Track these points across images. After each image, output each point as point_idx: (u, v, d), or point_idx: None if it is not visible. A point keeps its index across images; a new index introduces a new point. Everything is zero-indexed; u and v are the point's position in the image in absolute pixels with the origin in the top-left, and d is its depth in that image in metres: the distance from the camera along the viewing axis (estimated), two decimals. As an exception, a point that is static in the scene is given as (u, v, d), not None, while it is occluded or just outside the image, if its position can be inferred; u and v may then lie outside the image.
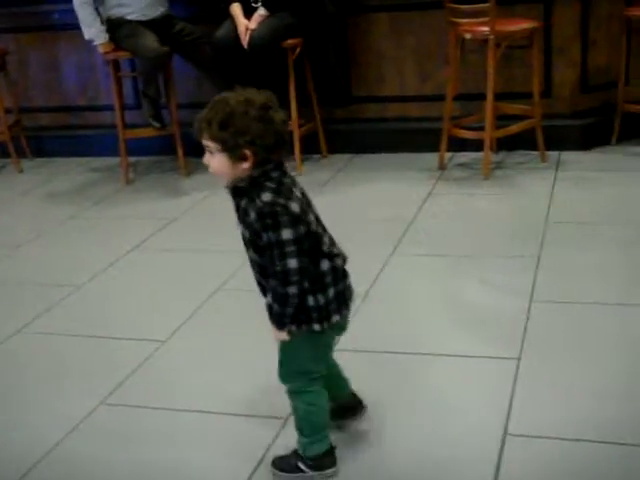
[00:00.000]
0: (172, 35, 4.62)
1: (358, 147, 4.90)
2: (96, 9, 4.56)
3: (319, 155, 4.88)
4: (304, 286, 1.92)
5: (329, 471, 2.10)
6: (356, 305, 2.92)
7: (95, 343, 2.91)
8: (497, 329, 2.76)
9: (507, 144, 4.54)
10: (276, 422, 2.33)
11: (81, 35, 4.75)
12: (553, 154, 4.48)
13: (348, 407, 2.27)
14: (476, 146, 4.37)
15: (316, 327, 1.97)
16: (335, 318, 1.99)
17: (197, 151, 5.66)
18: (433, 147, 4.51)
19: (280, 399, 2.41)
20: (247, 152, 1.85)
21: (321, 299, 1.96)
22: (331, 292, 1.97)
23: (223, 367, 2.67)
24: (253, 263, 1.99)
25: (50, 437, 2.35)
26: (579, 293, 2.95)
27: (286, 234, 1.85)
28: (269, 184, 1.88)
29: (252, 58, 4.37)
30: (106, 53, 4.65)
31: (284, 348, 2.04)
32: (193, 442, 2.28)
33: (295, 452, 2.12)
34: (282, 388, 2.47)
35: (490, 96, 4.15)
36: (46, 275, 3.56)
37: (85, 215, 4.32)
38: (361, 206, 4.06)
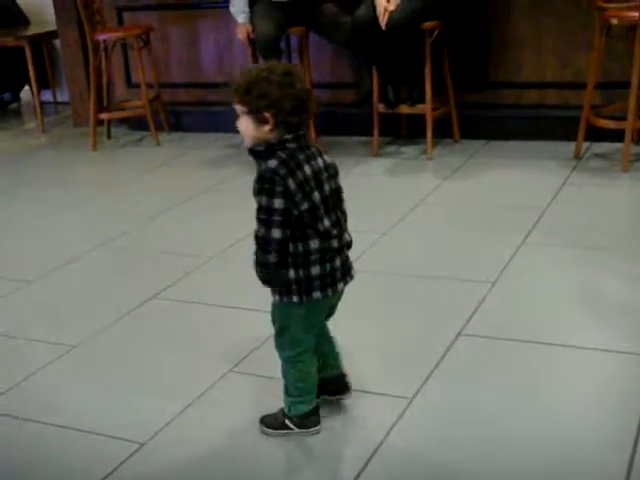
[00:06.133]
0: (310, 15, 4.66)
1: (491, 133, 4.82)
2: None
3: (451, 140, 4.83)
4: (285, 259, 2.03)
5: (313, 429, 2.22)
6: (484, 291, 2.94)
7: (226, 312, 2.99)
8: (633, 324, 2.67)
9: (650, 135, 4.38)
10: (402, 402, 2.33)
11: (220, 13, 4.87)
12: (699, 147, 4.29)
13: (332, 386, 2.33)
14: (616, 137, 4.22)
15: (295, 299, 2.08)
16: (316, 295, 2.08)
17: (328, 130, 5.73)
18: (570, 136, 4.39)
19: (409, 378, 2.43)
20: (267, 115, 1.98)
21: (302, 274, 2.05)
22: (315, 270, 2.06)
23: (349, 342, 2.69)
24: None
25: (177, 402, 2.43)
26: None
27: (277, 203, 1.97)
28: (281, 153, 2.00)
29: (390, 39, 4.36)
30: (241, 32, 4.75)
31: (278, 318, 2.17)
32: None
33: (282, 410, 2.24)
34: (412, 368, 2.49)
35: (635, 84, 4.00)
36: (180, 245, 3.68)
37: (218, 188, 4.43)
38: (492, 193, 3.99)
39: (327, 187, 2.07)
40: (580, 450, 2.09)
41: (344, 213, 2.16)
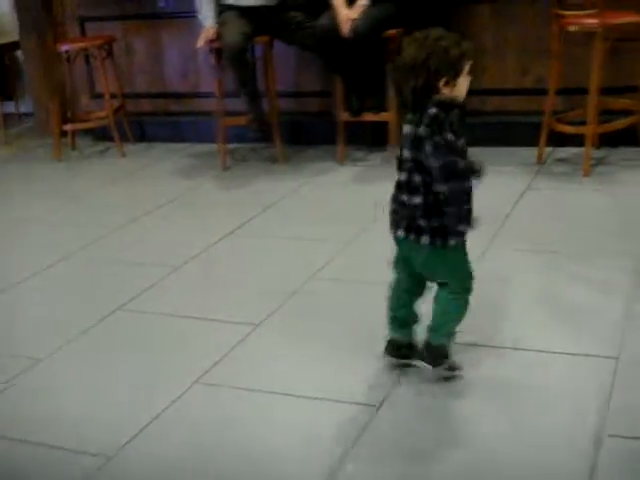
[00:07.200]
0: (278, 21, 4.67)
1: (456, 139, 4.84)
2: None
3: (415, 146, 4.85)
4: None
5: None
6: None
7: (190, 323, 2.98)
8: (595, 327, 2.70)
9: (610, 140, 4.42)
10: (369, 409, 2.34)
11: (183, 23, 4.85)
12: (658, 151, 4.35)
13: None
14: (577, 141, 4.28)
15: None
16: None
17: (293, 139, 5.74)
18: (532, 142, 4.44)
19: (375, 385, 2.44)
20: None
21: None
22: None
23: (316, 352, 2.70)
24: None
25: (144, 414, 2.42)
26: (682, 294, 2.87)
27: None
28: None
29: (352, 48, 4.38)
30: (206, 38, 4.69)
31: None
32: (282, 425, 2.32)
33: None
34: (378, 375, 2.51)
35: (594, 90, 4.06)
36: (144, 256, 3.66)
37: (183, 200, 4.42)
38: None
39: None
40: (542, 452, 2.11)
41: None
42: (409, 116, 2.26)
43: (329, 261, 3.39)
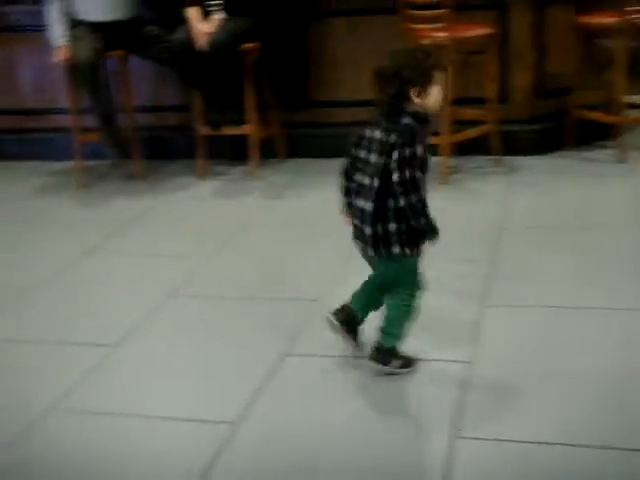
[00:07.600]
0: (132, 37, 4.59)
1: (317, 151, 4.89)
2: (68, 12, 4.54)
3: (278, 159, 4.87)
4: None
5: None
6: (311, 309, 2.96)
7: (44, 348, 2.88)
8: (448, 333, 2.77)
9: (463, 149, 4.57)
10: (224, 427, 2.31)
11: (39, 37, 4.70)
12: (509, 159, 4.52)
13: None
14: (433, 151, 4.37)
15: None
16: None
17: (153, 154, 5.62)
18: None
19: (235, 403, 2.41)
20: None
21: None
22: None
23: (173, 372, 2.65)
24: None
25: (-4, 444, 2.32)
26: (533, 297, 2.97)
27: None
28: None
29: (209, 62, 4.35)
30: (59, 56, 4.58)
31: None
32: (141, 447, 2.26)
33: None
34: (232, 394, 2.48)
35: (446, 101, 4.17)
36: (-3, 279, 3.52)
37: (38, 219, 4.28)
38: (319, 210, 4.02)
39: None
40: (396, 454, 2.14)
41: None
42: (383, 123, 2.35)
43: (188, 278, 3.35)
